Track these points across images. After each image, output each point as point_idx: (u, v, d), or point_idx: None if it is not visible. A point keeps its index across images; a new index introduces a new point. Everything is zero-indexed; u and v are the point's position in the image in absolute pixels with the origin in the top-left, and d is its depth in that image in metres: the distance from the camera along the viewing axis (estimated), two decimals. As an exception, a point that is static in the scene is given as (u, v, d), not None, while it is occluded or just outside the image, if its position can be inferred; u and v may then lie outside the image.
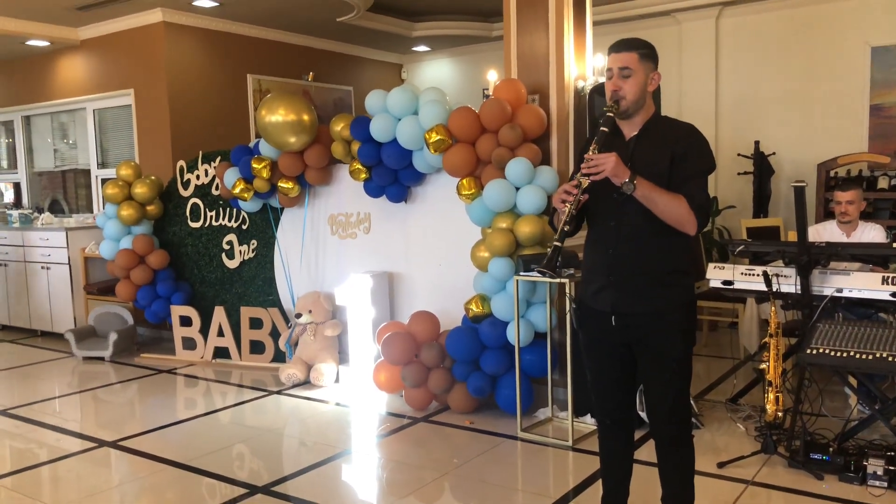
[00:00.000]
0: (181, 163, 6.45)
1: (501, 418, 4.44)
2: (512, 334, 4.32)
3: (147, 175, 6.46)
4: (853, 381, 4.03)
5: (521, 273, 4.18)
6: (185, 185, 6.41)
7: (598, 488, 2.98)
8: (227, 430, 4.55)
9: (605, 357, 2.66)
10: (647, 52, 2.50)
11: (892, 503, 3.22)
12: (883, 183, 6.41)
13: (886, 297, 3.76)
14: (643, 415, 3.79)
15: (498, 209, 4.43)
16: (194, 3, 6.87)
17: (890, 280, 3.76)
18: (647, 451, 3.41)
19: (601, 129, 2.45)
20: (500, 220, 4.44)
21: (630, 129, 2.55)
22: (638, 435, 3.30)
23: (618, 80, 2.47)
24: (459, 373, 4.50)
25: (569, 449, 4.00)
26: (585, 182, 2.40)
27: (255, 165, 5.51)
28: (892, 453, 3.40)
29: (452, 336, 4.52)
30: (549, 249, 2.46)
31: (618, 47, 2.51)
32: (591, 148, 2.43)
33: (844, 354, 3.49)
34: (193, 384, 5.62)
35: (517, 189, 4.41)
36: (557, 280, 4.04)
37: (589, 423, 4.24)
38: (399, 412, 4.70)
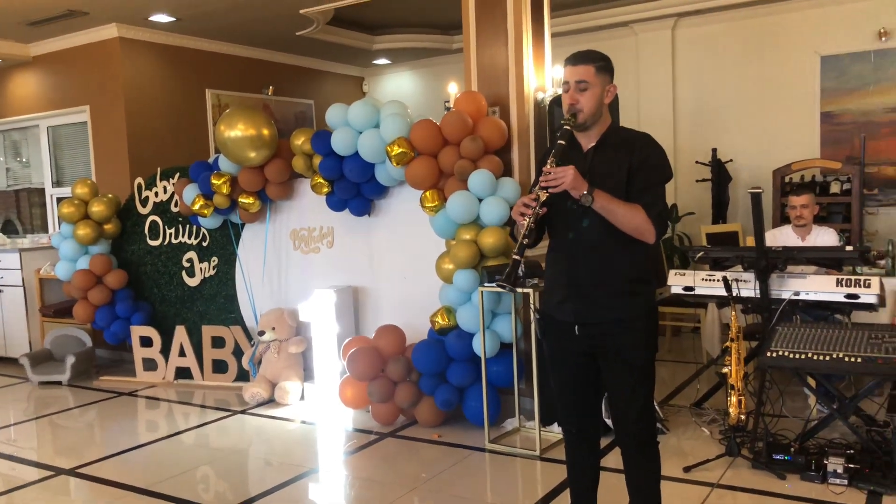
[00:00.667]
0: (139, 180, 6.35)
1: (469, 430, 4.43)
2: (478, 346, 4.32)
3: (104, 193, 6.35)
4: (812, 381, 4.11)
5: (486, 284, 4.18)
6: (144, 202, 6.30)
7: (566, 497, 2.99)
8: (191, 452, 4.46)
9: (569, 366, 2.67)
10: (603, 65, 2.53)
11: (851, 500, 3.28)
12: (835, 188, 6.57)
13: (841, 298, 3.85)
14: (608, 422, 3.82)
15: (461, 221, 4.44)
16: (150, 19, 6.78)
17: (844, 282, 3.85)
18: (614, 459, 3.43)
19: (559, 142, 2.47)
20: (464, 232, 4.45)
21: (587, 141, 2.57)
22: (604, 442, 3.32)
23: (574, 94, 2.50)
24: (426, 386, 4.49)
25: (537, 459, 4.00)
26: (544, 195, 2.41)
27: (214, 181, 5.45)
28: (851, 451, 3.48)
29: (419, 349, 4.50)
30: (509, 263, 2.47)
31: (574, 60, 2.53)
32: (549, 161, 2.44)
33: (803, 356, 3.56)
34: (155, 406, 5.50)
35: (480, 200, 4.42)
36: (521, 290, 4.06)
37: (556, 431, 4.25)
38: (366, 428, 4.66)
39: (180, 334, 5.94)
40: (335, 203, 5.15)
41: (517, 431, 4.42)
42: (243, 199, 5.49)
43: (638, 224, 2.43)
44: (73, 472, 4.13)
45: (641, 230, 2.44)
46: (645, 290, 2.58)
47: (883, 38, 6.64)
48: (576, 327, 2.56)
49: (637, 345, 2.54)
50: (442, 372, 4.47)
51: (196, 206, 5.61)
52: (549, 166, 2.42)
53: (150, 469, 4.15)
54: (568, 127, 2.49)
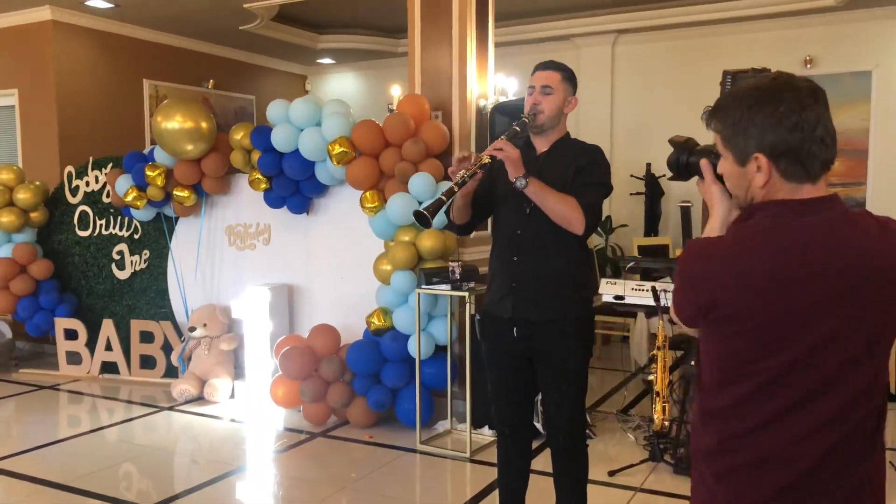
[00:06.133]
0: (69, 168, 6.15)
1: (401, 431, 4.45)
2: (413, 347, 4.34)
3: (31, 180, 6.12)
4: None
5: (423, 286, 4.21)
6: (74, 191, 6.11)
7: (494, 498, 3.03)
8: (114, 448, 4.34)
9: (505, 367, 2.72)
10: (569, 76, 2.65)
11: None
12: (761, 205, 6.84)
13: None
14: (538, 425, 3.90)
15: (401, 222, 4.46)
16: (87, 3, 6.57)
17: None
18: (543, 461, 3.49)
19: (514, 126, 2.54)
20: (403, 234, 4.47)
21: (542, 145, 2.66)
22: (534, 445, 3.38)
23: (538, 96, 2.59)
24: (360, 387, 4.48)
25: (467, 460, 4.04)
26: (486, 159, 2.43)
27: (149, 173, 5.32)
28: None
29: (353, 350, 4.49)
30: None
31: (543, 66, 2.64)
32: (502, 137, 2.49)
33: (725, 365, 3.68)
34: (78, 400, 5.33)
35: (420, 203, 4.45)
36: (452, 290, 4.09)
37: (487, 434, 4.30)
38: (297, 427, 4.62)
39: (107, 328, 5.77)
40: (273, 200, 5.10)
41: (448, 433, 4.45)
42: (178, 193, 5.38)
43: (567, 212, 2.45)
44: (-14, 468, 3.98)
45: (570, 218, 2.45)
46: (582, 295, 2.65)
47: (808, 66, 6.96)
48: (514, 329, 2.61)
49: (572, 349, 2.61)
50: (376, 373, 4.47)
51: (129, 198, 5.47)
52: (501, 139, 2.46)
53: (70, 464, 4.02)
54: (525, 119, 2.56)
